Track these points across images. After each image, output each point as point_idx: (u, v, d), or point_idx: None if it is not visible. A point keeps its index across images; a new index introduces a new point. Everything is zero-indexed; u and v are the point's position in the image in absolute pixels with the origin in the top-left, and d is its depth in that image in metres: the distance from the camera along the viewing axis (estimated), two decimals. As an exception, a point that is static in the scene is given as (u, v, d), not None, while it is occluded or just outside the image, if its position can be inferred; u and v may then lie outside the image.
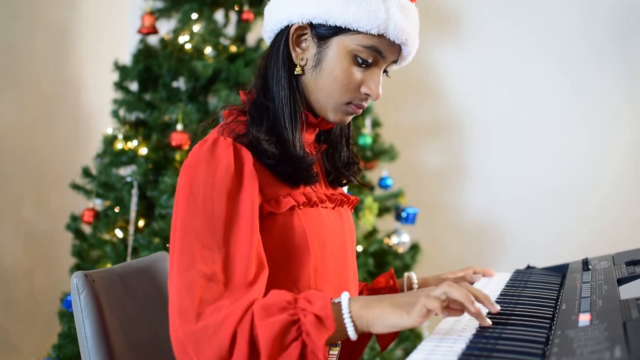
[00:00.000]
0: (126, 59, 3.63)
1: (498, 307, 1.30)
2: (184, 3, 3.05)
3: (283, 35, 1.53)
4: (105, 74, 3.28)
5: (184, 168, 1.42)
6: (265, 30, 1.60)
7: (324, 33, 1.48)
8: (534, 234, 3.84)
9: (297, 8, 1.49)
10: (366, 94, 1.52)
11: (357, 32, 1.46)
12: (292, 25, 1.51)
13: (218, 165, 1.39)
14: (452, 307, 1.26)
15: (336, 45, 1.48)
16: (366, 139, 3.26)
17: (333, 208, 1.63)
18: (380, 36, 1.47)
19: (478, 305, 1.27)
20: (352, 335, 1.26)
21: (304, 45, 1.52)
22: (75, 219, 3.01)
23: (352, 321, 1.26)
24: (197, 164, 1.40)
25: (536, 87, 3.86)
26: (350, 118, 1.58)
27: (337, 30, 1.47)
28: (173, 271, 1.34)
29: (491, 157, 3.94)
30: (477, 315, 1.25)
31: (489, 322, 1.26)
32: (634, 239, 3.53)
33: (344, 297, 1.29)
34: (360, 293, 1.85)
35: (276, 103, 1.51)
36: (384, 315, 1.25)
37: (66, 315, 2.81)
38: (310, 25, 1.50)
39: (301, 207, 1.49)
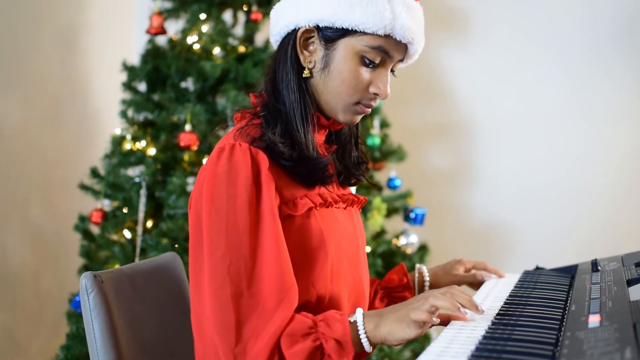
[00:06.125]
0: (134, 60, 3.64)
1: (482, 309, 1.35)
2: (192, 3, 3.05)
3: (290, 38, 1.54)
4: (113, 74, 3.28)
5: (204, 180, 1.44)
6: (272, 34, 1.61)
7: (331, 35, 1.49)
8: (543, 235, 3.83)
9: (304, 11, 1.50)
10: (375, 94, 1.53)
11: (364, 33, 1.47)
12: (299, 28, 1.52)
13: (238, 175, 1.40)
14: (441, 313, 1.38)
15: (343, 47, 1.49)
16: (375, 140, 3.26)
17: (345, 208, 1.65)
18: (387, 36, 1.48)
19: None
20: (368, 349, 1.37)
21: (311, 48, 1.53)
22: (83, 219, 3.01)
23: (368, 339, 1.35)
24: (216, 176, 1.41)
25: (543, 88, 3.85)
26: (359, 118, 1.59)
27: (344, 32, 1.48)
28: (204, 289, 1.39)
29: (499, 158, 3.93)
30: (464, 316, 1.35)
31: (481, 310, 1.34)
32: (643, 240, 3.52)
33: (359, 317, 1.37)
34: (375, 293, 1.88)
35: (287, 106, 1.52)
36: (392, 330, 1.34)
37: (74, 316, 2.81)
38: (317, 28, 1.50)
39: (318, 208, 1.51)
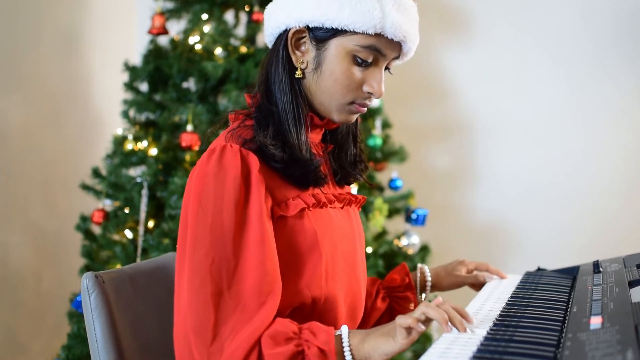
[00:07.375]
0: (136, 60, 3.64)
1: (472, 320, 1.32)
2: (194, 4, 3.05)
3: (282, 39, 1.54)
4: (115, 74, 3.28)
5: (192, 179, 1.44)
6: (265, 34, 1.61)
7: (322, 36, 1.49)
8: (544, 236, 3.83)
9: (294, 12, 1.49)
10: (369, 93, 1.52)
11: (354, 32, 1.46)
12: (290, 29, 1.51)
13: (226, 176, 1.40)
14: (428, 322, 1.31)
15: (334, 47, 1.48)
16: (376, 140, 3.26)
17: (342, 208, 1.64)
18: (378, 35, 1.47)
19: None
20: None
21: (303, 48, 1.52)
22: (84, 219, 3.01)
23: (352, 354, 1.32)
24: (205, 175, 1.41)
25: (544, 89, 3.85)
26: (355, 117, 1.58)
27: (335, 32, 1.47)
28: (183, 287, 1.37)
29: (501, 158, 3.93)
30: (449, 330, 1.29)
31: (465, 330, 1.29)
32: (644, 241, 3.52)
33: (344, 331, 1.34)
34: (377, 292, 1.87)
35: (280, 108, 1.51)
36: (377, 345, 1.32)
37: (75, 316, 2.81)
38: (308, 28, 1.50)
39: (311, 208, 1.50)
